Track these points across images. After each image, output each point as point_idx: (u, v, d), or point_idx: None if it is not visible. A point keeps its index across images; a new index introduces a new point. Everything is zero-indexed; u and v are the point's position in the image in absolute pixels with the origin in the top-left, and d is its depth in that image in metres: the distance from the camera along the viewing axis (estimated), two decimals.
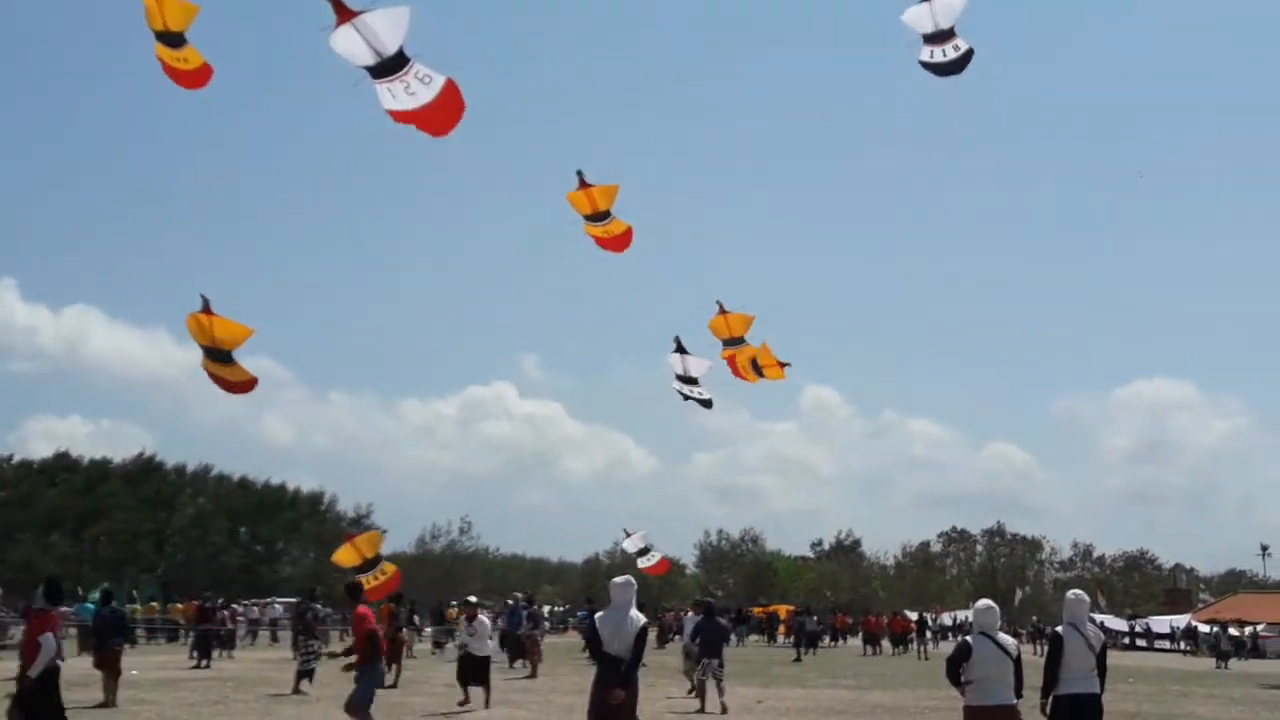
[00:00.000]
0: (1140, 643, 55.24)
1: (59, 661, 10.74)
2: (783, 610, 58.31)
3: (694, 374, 16.60)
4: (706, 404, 17.18)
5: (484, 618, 18.42)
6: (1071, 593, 9.88)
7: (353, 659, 12.59)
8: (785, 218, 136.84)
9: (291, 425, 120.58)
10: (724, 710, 17.45)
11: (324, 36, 9.02)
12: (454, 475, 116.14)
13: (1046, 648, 10.08)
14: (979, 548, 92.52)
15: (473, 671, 17.44)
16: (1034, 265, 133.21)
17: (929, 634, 45.08)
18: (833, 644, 48.59)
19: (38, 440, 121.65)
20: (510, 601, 32.93)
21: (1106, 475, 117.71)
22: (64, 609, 33.12)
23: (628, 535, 26.10)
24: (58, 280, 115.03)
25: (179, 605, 46.16)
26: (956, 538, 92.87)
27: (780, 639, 51.41)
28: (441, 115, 9.55)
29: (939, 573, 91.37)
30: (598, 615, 9.55)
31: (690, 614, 26.36)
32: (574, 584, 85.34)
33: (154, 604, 47.43)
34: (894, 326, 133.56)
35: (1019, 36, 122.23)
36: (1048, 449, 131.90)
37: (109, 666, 17.25)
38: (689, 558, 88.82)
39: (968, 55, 11.72)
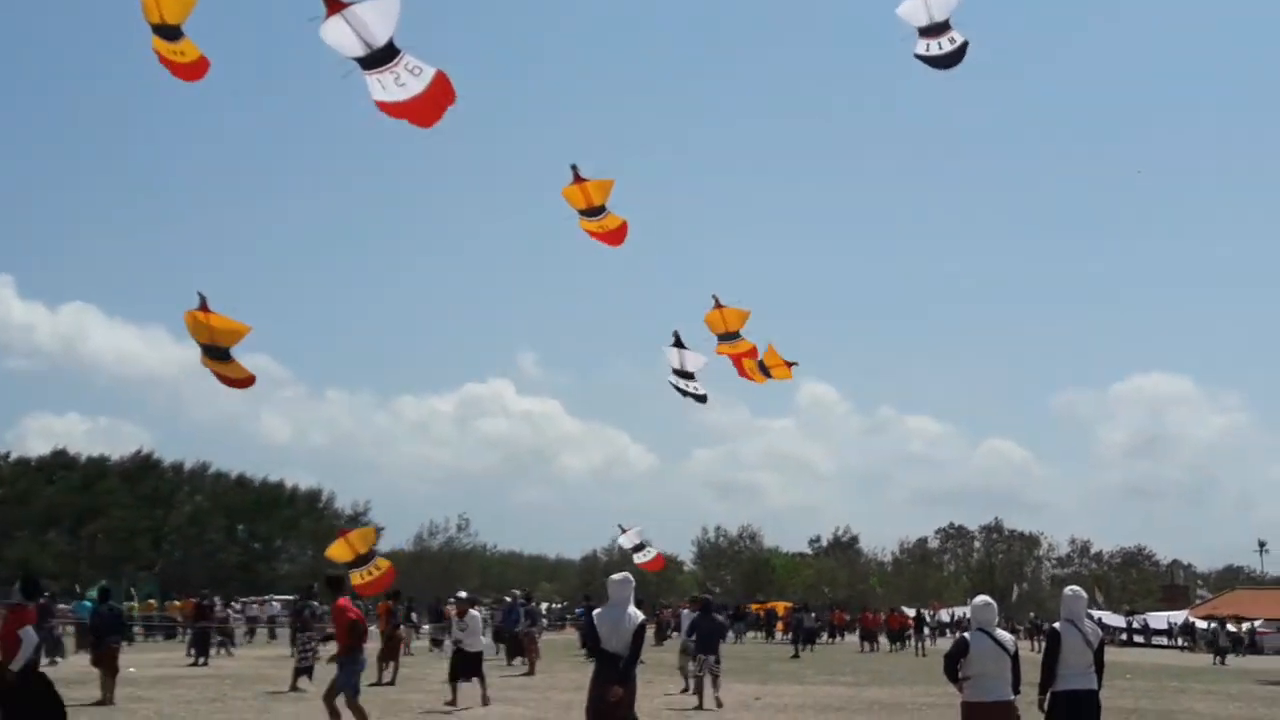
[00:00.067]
0: (1138, 639, 55.28)
1: (38, 657, 10.75)
2: (780, 607, 58.41)
3: (690, 369, 16.58)
4: (701, 399, 17.16)
5: (475, 613, 18.38)
6: (1069, 589, 9.88)
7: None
8: (783, 215, 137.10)
9: (289, 423, 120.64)
10: (719, 706, 17.47)
11: (320, 34, 9.01)
12: (451, 472, 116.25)
13: (1044, 644, 10.08)
14: (976, 544, 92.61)
15: (466, 667, 17.40)
16: (1031, 263, 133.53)
17: (926, 630, 45.19)
18: (830, 641, 48.63)
19: (35, 438, 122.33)
20: (508, 599, 32.94)
21: (1104, 471, 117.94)
22: (63, 605, 33.45)
23: (623, 531, 26.07)
24: (55, 278, 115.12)
25: (176, 603, 46.15)
26: (954, 534, 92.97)
27: (778, 635, 51.50)
28: (431, 107, 9.53)
29: (936, 569, 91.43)
30: (595, 612, 9.50)
31: (687, 611, 26.36)
32: (572, 581, 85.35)
33: (151, 601, 47.41)
34: (892, 323, 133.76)
35: (1019, 36, 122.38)
36: (1046, 445, 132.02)
37: (106, 664, 17.25)
38: (687, 554, 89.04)
39: (963, 48, 11.70)
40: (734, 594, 75.96)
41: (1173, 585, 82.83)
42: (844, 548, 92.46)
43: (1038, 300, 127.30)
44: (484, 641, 18.86)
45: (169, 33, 10.22)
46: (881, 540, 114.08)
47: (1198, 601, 69.31)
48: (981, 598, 9.61)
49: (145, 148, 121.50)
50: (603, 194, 13.72)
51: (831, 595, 72.15)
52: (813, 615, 44.97)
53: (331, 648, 13.86)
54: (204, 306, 12.12)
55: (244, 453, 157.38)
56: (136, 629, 38.23)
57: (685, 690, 19.31)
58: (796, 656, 35.50)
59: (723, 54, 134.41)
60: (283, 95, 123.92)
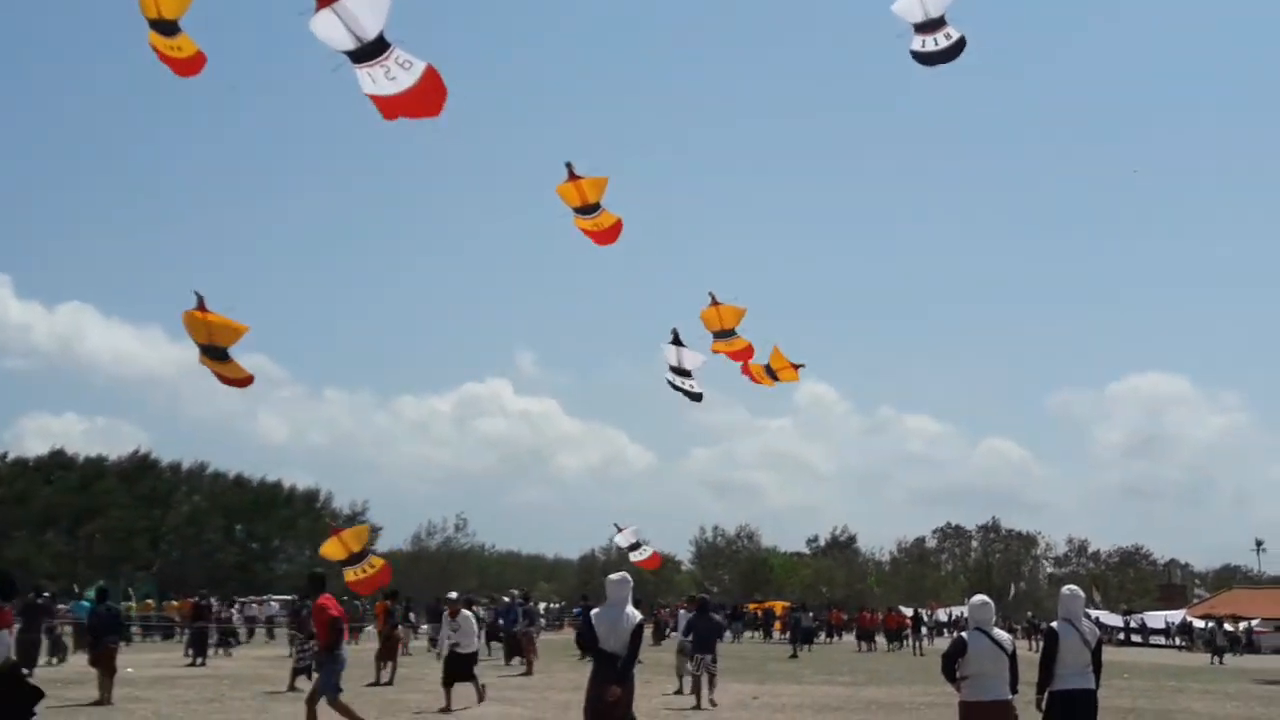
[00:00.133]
0: (1135, 638, 55.31)
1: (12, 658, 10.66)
2: (778, 606, 58.38)
3: (688, 367, 16.57)
4: (696, 397, 17.15)
5: (468, 613, 18.33)
6: (1066, 588, 9.88)
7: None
8: (782, 215, 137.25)
9: (287, 423, 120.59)
10: (713, 705, 17.48)
11: (310, 26, 9.00)
12: (450, 472, 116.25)
13: (1042, 643, 10.07)
14: (974, 543, 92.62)
15: (459, 668, 17.34)
16: (1030, 262, 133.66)
17: (924, 630, 45.21)
18: (828, 640, 48.63)
19: (33, 438, 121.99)
20: (506, 599, 32.91)
21: (1103, 471, 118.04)
22: (61, 606, 33.36)
23: (619, 530, 26.08)
24: (52, 277, 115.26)
25: (174, 603, 46.15)
26: (951, 534, 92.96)
27: (776, 635, 51.50)
28: (423, 101, 9.52)
29: (934, 569, 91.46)
30: (593, 612, 9.46)
31: (683, 610, 26.34)
32: (570, 581, 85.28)
33: (149, 601, 47.39)
34: (890, 323, 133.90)
35: (1019, 36, 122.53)
36: (1044, 444, 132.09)
37: (104, 664, 17.24)
38: (685, 554, 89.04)
39: (960, 44, 11.68)
40: (732, 593, 75.98)
41: (1170, 585, 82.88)
42: (842, 547, 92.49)
43: (1036, 300, 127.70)
44: (478, 643, 18.80)
45: (166, 28, 10.21)
46: (879, 540, 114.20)
47: (1195, 601, 69.33)
48: (979, 597, 9.60)
49: (142, 147, 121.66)
50: (597, 191, 13.70)
51: (829, 595, 72.13)
52: (810, 615, 44.98)
53: None
54: (201, 306, 12.12)
55: (242, 453, 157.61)
56: (134, 629, 38.20)
57: (679, 691, 19.29)
58: (794, 656, 35.51)
59: (722, 54, 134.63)
60: (281, 95, 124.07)
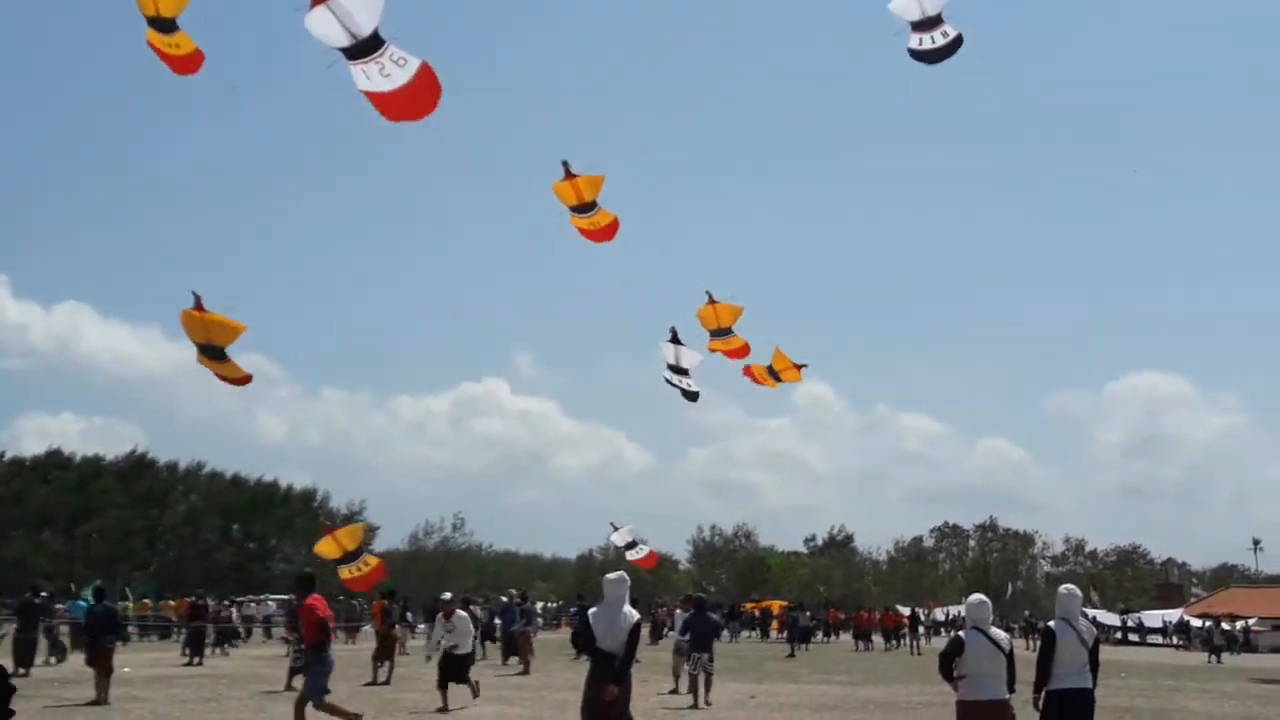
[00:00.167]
0: (1133, 637, 55.39)
1: None
2: (775, 606, 58.38)
3: (685, 365, 16.58)
4: (693, 396, 17.16)
5: (464, 614, 18.30)
6: (1064, 587, 9.87)
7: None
8: (780, 215, 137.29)
9: (284, 422, 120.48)
10: (708, 704, 17.48)
11: (305, 23, 9.00)
12: (447, 472, 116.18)
13: (1039, 642, 10.07)
14: (971, 543, 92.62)
15: (454, 669, 17.29)
16: (1028, 261, 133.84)
17: (921, 629, 45.19)
18: (825, 640, 48.63)
19: (30, 437, 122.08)
20: (504, 599, 32.90)
21: (1101, 471, 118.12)
22: (58, 605, 33.32)
23: (615, 529, 26.10)
24: (49, 277, 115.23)
25: (171, 602, 46.11)
26: (949, 533, 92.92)
27: (773, 634, 51.50)
28: (417, 99, 9.53)
29: (931, 568, 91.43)
30: (591, 611, 9.44)
31: (680, 610, 26.34)
32: (568, 580, 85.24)
33: (146, 601, 47.35)
34: (888, 322, 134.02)
35: (1019, 35, 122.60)
36: (1042, 444, 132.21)
37: (101, 664, 17.20)
38: (682, 553, 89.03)
39: (957, 41, 11.71)
40: (729, 593, 75.97)
41: (1167, 584, 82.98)
42: (839, 546, 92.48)
43: (1035, 299, 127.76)
44: (472, 644, 18.75)
45: (164, 25, 10.23)
46: (877, 539, 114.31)
47: (1192, 600, 69.41)
48: (976, 596, 9.58)
49: (140, 147, 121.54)
50: (593, 190, 13.71)
51: (826, 594, 72.14)
52: (808, 614, 45.01)
53: None
54: (199, 305, 12.12)
55: (239, 452, 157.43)
56: (131, 629, 38.16)
57: (676, 690, 19.28)
58: (791, 655, 35.50)
59: (721, 53, 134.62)
60: (279, 94, 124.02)
